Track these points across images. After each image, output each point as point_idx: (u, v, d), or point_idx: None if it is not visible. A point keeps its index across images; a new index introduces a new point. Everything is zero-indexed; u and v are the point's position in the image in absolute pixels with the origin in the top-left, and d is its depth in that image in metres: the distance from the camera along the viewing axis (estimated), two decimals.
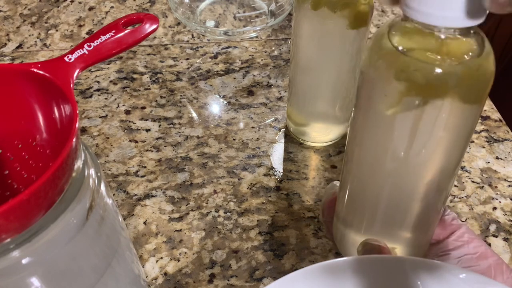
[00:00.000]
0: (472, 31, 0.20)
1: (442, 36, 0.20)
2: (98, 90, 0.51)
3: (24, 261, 0.20)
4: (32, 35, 0.57)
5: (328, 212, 0.32)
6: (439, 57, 0.20)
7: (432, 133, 0.22)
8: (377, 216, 0.27)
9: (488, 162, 0.45)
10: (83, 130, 0.47)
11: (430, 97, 0.20)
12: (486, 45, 0.20)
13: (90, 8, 0.61)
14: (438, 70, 0.20)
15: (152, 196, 0.42)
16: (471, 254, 0.29)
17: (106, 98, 0.50)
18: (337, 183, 0.33)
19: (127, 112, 0.48)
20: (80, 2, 0.62)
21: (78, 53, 0.25)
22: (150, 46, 0.56)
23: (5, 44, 0.56)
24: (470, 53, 0.20)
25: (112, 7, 0.61)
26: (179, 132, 0.47)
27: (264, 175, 0.43)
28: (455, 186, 0.43)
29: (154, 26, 0.28)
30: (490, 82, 0.21)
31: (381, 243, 0.29)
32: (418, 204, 0.26)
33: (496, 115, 0.49)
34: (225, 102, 0.50)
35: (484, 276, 0.27)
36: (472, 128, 0.23)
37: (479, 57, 0.20)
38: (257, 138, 0.46)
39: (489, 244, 0.39)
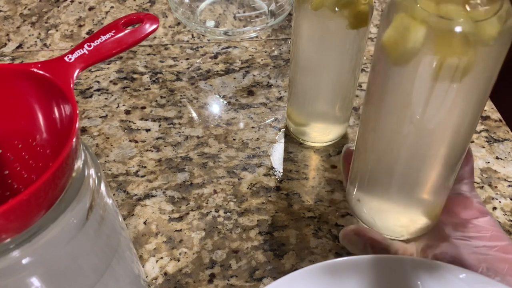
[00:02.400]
0: None
1: None
2: (98, 90, 0.51)
3: (24, 261, 0.20)
4: (32, 35, 0.57)
5: (347, 170, 0.33)
6: (458, 14, 0.20)
7: (450, 93, 0.22)
8: (392, 183, 0.28)
9: (488, 162, 0.45)
10: (83, 130, 0.47)
11: (449, 56, 0.21)
12: (506, 5, 0.21)
13: (90, 8, 0.61)
14: (462, 29, 0.20)
15: (152, 196, 0.42)
16: (490, 246, 0.29)
17: (106, 98, 0.50)
18: (349, 145, 0.33)
19: (127, 112, 0.48)
20: (80, 2, 0.62)
21: (78, 53, 0.25)
22: (150, 46, 0.56)
23: (5, 44, 0.56)
24: (490, 12, 0.21)
25: (112, 7, 0.61)
26: (179, 132, 0.47)
27: (264, 175, 0.43)
28: None
29: (154, 26, 0.28)
30: (507, 44, 0.21)
31: (355, 228, 0.29)
32: (432, 169, 0.26)
33: (496, 115, 0.49)
34: (225, 102, 0.50)
35: (484, 276, 0.27)
36: (484, 97, 0.23)
37: (496, 15, 0.21)
38: (257, 138, 0.46)
39: None
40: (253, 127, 0.47)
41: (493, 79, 0.23)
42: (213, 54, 0.55)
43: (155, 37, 0.57)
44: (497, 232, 0.29)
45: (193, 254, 0.38)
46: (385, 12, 0.23)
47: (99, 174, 0.25)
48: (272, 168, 0.44)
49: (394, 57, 0.23)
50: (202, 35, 0.57)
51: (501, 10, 0.21)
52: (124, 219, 0.40)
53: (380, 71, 0.24)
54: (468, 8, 0.20)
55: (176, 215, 0.40)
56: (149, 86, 0.51)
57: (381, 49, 0.23)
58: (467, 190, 0.30)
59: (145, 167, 0.44)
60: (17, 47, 0.56)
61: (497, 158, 0.45)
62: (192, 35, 0.57)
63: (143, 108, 0.49)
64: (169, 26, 0.59)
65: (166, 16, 0.60)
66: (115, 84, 0.51)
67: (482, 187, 0.43)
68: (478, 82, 0.22)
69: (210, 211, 0.41)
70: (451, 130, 0.24)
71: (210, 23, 0.57)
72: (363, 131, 0.28)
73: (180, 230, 0.39)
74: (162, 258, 0.38)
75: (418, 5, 0.21)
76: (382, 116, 0.25)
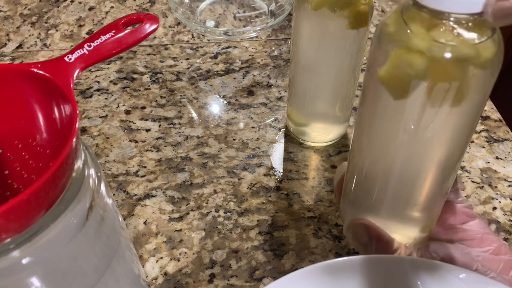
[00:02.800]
0: (482, 17, 0.21)
1: (452, 23, 0.21)
2: (98, 90, 0.51)
3: (24, 261, 0.20)
4: (32, 35, 0.57)
5: (339, 193, 0.32)
6: (452, 41, 0.21)
7: (441, 112, 0.23)
8: (386, 195, 0.28)
9: (488, 162, 0.45)
10: (83, 130, 0.47)
11: (439, 81, 0.21)
12: (497, 30, 0.21)
13: (90, 8, 0.61)
14: (453, 55, 0.21)
15: (152, 196, 0.42)
16: (483, 250, 0.29)
17: (106, 98, 0.50)
18: (343, 167, 0.33)
19: (127, 112, 0.48)
20: (80, 2, 0.62)
21: (78, 53, 0.25)
22: (150, 46, 0.56)
23: (5, 44, 0.56)
24: (483, 37, 0.21)
25: (112, 7, 0.61)
26: (179, 132, 0.47)
27: (264, 175, 0.43)
28: None
29: (154, 26, 0.28)
30: (498, 67, 0.22)
31: (365, 220, 0.29)
32: (425, 181, 0.26)
33: (496, 115, 0.49)
34: (225, 102, 0.50)
35: (483, 276, 0.27)
36: (477, 116, 0.24)
37: (489, 40, 0.21)
38: (257, 138, 0.46)
39: None
40: (253, 127, 0.47)
41: (487, 96, 0.23)
42: (213, 54, 0.55)
43: (155, 37, 0.57)
44: (487, 234, 0.29)
45: (193, 254, 0.38)
46: (375, 44, 0.23)
47: (99, 174, 0.25)
48: (272, 168, 0.44)
49: (394, 93, 0.23)
50: (202, 35, 0.57)
51: (495, 34, 0.21)
52: (124, 219, 0.40)
53: (375, 105, 0.24)
54: (457, 33, 0.21)
55: (176, 215, 0.40)
56: (149, 86, 0.51)
57: (377, 83, 0.23)
58: (453, 197, 0.31)
59: (145, 167, 0.44)
60: (17, 47, 0.56)
61: (497, 158, 0.45)
62: (192, 35, 0.57)
63: (143, 108, 0.49)
64: (169, 26, 0.59)
65: (166, 16, 0.60)
66: (115, 84, 0.51)
67: (482, 187, 0.43)
68: (474, 102, 0.23)
69: (210, 211, 0.41)
70: (445, 146, 0.25)
71: (210, 23, 0.57)
72: (359, 131, 0.28)
73: (180, 230, 0.39)
74: (162, 258, 0.38)
75: (409, 31, 0.21)
76: (375, 123, 0.25)
